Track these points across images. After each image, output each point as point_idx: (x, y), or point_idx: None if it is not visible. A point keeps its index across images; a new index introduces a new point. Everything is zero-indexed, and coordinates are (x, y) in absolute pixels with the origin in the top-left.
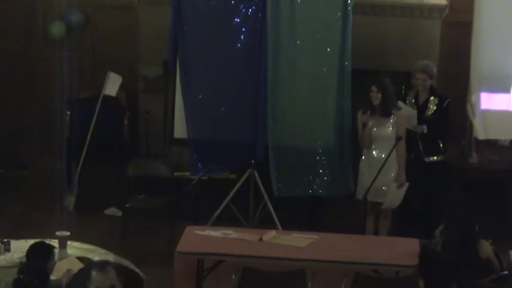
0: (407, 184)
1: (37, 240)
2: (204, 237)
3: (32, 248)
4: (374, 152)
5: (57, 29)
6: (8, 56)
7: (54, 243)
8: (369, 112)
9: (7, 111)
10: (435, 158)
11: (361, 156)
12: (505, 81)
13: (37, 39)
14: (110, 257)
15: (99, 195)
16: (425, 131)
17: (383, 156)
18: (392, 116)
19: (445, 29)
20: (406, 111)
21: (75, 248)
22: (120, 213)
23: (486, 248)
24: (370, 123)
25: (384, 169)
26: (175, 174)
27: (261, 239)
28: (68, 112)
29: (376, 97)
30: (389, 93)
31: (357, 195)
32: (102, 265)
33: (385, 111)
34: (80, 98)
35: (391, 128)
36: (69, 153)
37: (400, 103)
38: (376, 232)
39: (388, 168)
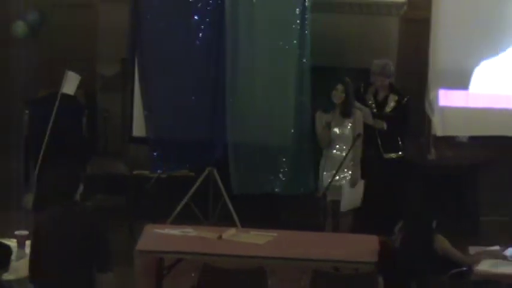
0: (362, 182)
1: None
2: (164, 236)
3: None
4: (334, 151)
5: (20, 28)
6: None
7: (13, 242)
8: (337, 111)
9: None
10: (394, 154)
11: (322, 156)
12: (463, 77)
13: None
14: None
15: (58, 194)
16: (384, 127)
17: (343, 155)
18: (351, 116)
19: (403, 26)
20: (360, 108)
21: None
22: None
23: (443, 243)
24: (326, 120)
25: (343, 167)
26: (134, 172)
27: (220, 237)
28: (26, 111)
29: (339, 96)
30: (352, 94)
31: (317, 194)
32: None
33: (346, 111)
34: (38, 97)
35: (349, 128)
36: (27, 152)
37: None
38: (335, 230)
39: (347, 167)
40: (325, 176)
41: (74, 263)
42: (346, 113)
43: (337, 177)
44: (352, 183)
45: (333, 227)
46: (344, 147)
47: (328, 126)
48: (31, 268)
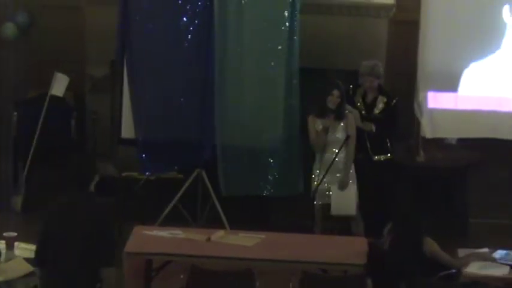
0: (354, 187)
1: None
2: (152, 237)
3: None
4: (327, 155)
5: (10, 30)
6: None
7: (1, 244)
8: (331, 116)
9: None
10: (383, 156)
11: (315, 160)
12: (451, 80)
13: None
14: None
15: (46, 196)
16: (373, 129)
17: (336, 159)
18: (344, 119)
19: (392, 28)
20: (349, 110)
21: (22, 249)
22: None
23: (432, 246)
24: (321, 126)
25: (332, 171)
26: (123, 174)
27: (209, 239)
28: (15, 112)
29: (335, 101)
30: (345, 97)
31: (312, 199)
32: None
33: (339, 115)
34: (26, 98)
35: (342, 131)
36: (15, 153)
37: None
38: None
39: (337, 170)
40: (318, 181)
41: (81, 252)
42: (340, 117)
43: (326, 180)
44: (341, 185)
45: (322, 231)
46: (337, 150)
47: (326, 131)
48: (38, 254)
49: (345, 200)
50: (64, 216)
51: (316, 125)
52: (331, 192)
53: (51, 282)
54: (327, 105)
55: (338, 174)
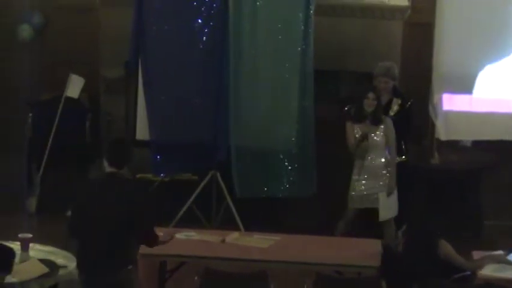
0: (396, 189)
1: None
2: None
3: None
4: (367, 161)
5: (25, 32)
6: None
7: (16, 245)
8: (367, 122)
9: None
10: (397, 158)
11: (353, 165)
12: (466, 82)
13: None
14: (72, 259)
15: (61, 197)
16: None
17: (377, 163)
18: (382, 123)
19: (406, 30)
20: None
21: (37, 251)
22: None
23: (446, 248)
24: (357, 130)
25: (372, 176)
26: (137, 175)
27: (223, 241)
28: (30, 114)
29: (371, 104)
30: (381, 103)
31: (349, 204)
32: None
33: (377, 119)
34: (41, 100)
35: (381, 136)
36: (30, 155)
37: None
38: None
39: (377, 175)
40: (359, 186)
41: (114, 230)
42: (376, 121)
43: (365, 185)
44: (389, 191)
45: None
46: (375, 156)
47: (366, 138)
48: (71, 227)
49: (391, 204)
50: (99, 193)
51: (354, 131)
52: (377, 198)
53: (85, 258)
54: (364, 108)
55: (381, 182)
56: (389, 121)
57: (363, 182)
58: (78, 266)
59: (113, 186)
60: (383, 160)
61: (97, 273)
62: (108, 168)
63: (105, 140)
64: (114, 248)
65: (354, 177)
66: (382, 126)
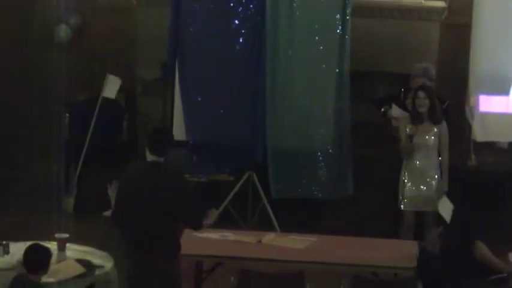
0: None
1: (34, 242)
2: (203, 240)
3: (28, 250)
4: (415, 162)
5: (63, 32)
6: (6, 58)
7: (53, 245)
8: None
9: (6, 114)
10: None
11: (403, 165)
12: (503, 83)
13: (36, 41)
14: (109, 259)
15: (98, 197)
16: None
17: (424, 165)
18: (437, 125)
19: (443, 31)
20: (398, 113)
21: (74, 250)
22: None
23: (482, 250)
24: (409, 131)
25: (426, 178)
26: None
27: (259, 241)
28: (67, 114)
29: (423, 103)
30: (436, 100)
31: (401, 206)
32: None
33: (433, 118)
34: (78, 100)
35: (434, 137)
36: (68, 155)
37: (393, 106)
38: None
39: (430, 177)
40: (407, 186)
41: (160, 217)
42: (433, 121)
43: (422, 188)
44: (439, 195)
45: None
46: (426, 156)
47: (410, 139)
48: (114, 216)
49: (449, 206)
50: (144, 181)
51: (408, 130)
52: (429, 201)
53: (134, 246)
54: (418, 110)
55: (431, 185)
56: (444, 124)
57: (410, 183)
58: (127, 255)
59: (156, 173)
60: (433, 162)
61: (148, 261)
62: (149, 157)
63: (142, 141)
64: (163, 235)
65: (402, 178)
66: (435, 129)
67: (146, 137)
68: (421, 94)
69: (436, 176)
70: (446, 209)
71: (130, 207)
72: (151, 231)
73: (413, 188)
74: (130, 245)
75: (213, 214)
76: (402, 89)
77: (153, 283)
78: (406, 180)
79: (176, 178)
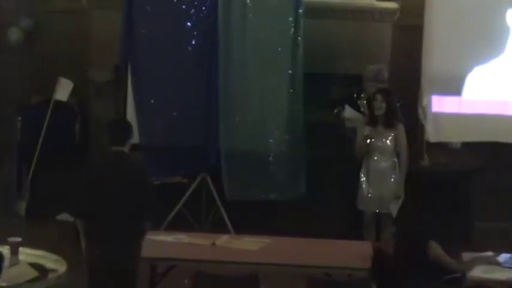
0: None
1: None
2: (157, 242)
3: None
4: (373, 163)
5: (15, 35)
6: None
7: (6, 249)
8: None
9: None
10: None
11: (361, 167)
12: (455, 84)
13: None
14: (62, 263)
15: (51, 201)
16: None
17: (382, 166)
18: (394, 128)
19: (396, 32)
20: (352, 114)
21: (26, 254)
22: (72, 219)
23: (436, 250)
24: (367, 133)
25: (383, 179)
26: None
27: (213, 243)
28: (19, 118)
29: (379, 107)
30: (394, 104)
31: (361, 207)
32: None
33: (388, 122)
34: (30, 103)
35: (391, 140)
36: (20, 158)
37: (347, 107)
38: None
39: (384, 177)
40: (366, 188)
41: (124, 206)
42: (388, 124)
43: (381, 189)
44: (395, 197)
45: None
46: (384, 158)
47: (367, 140)
48: (79, 206)
49: (396, 207)
50: (109, 168)
51: (362, 131)
52: (383, 203)
53: (96, 233)
54: (374, 112)
55: (387, 187)
56: (401, 127)
57: (368, 184)
58: (92, 243)
59: (119, 162)
60: (390, 164)
61: (114, 247)
62: (111, 147)
63: (94, 143)
64: (129, 220)
65: (362, 179)
66: (393, 132)
67: (107, 128)
68: (379, 97)
69: (393, 178)
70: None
71: (98, 195)
72: (118, 217)
73: (372, 189)
74: (97, 231)
75: None
76: (355, 91)
77: (117, 268)
78: (364, 181)
79: (139, 166)
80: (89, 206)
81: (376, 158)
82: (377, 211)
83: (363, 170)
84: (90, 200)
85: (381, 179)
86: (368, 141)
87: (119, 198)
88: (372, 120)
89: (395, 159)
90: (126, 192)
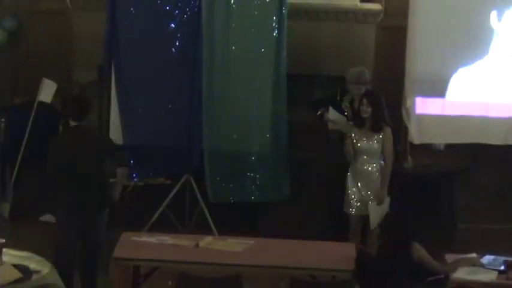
0: (388, 199)
1: None
2: (140, 244)
3: None
4: (358, 165)
5: None
6: None
7: None
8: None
9: None
10: None
11: (349, 169)
12: (439, 85)
13: None
14: (46, 264)
15: (34, 202)
16: None
17: (368, 168)
18: (381, 132)
19: (379, 34)
20: (335, 116)
21: (10, 256)
22: (54, 220)
23: (419, 252)
24: (353, 135)
25: (369, 182)
26: (111, 180)
27: (197, 245)
28: (2, 119)
29: (365, 110)
30: (381, 108)
31: (344, 209)
32: None
33: (375, 126)
34: (14, 105)
35: (378, 143)
36: (3, 160)
37: (330, 108)
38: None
39: (371, 180)
40: (352, 191)
41: (91, 167)
42: (375, 128)
43: (365, 192)
44: (379, 201)
45: (361, 241)
46: (370, 161)
47: (352, 141)
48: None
49: (381, 213)
50: (71, 140)
51: (353, 135)
52: (368, 207)
53: (63, 197)
54: (361, 115)
55: (372, 189)
56: (388, 130)
57: (354, 187)
58: (62, 207)
59: (80, 133)
60: (376, 167)
61: (83, 208)
62: (72, 123)
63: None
64: (94, 182)
65: (348, 181)
66: (380, 135)
67: (67, 106)
68: (365, 101)
69: (379, 181)
70: (380, 215)
71: (64, 164)
72: (83, 174)
73: (357, 192)
74: (64, 191)
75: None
76: (339, 91)
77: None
78: (350, 184)
79: (96, 133)
80: (56, 171)
81: (362, 160)
82: (363, 214)
83: (349, 173)
84: (60, 164)
85: (367, 182)
86: (354, 141)
87: (82, 160)
88: (356, 122)
89: (382, 162)
90: (87, 155)
